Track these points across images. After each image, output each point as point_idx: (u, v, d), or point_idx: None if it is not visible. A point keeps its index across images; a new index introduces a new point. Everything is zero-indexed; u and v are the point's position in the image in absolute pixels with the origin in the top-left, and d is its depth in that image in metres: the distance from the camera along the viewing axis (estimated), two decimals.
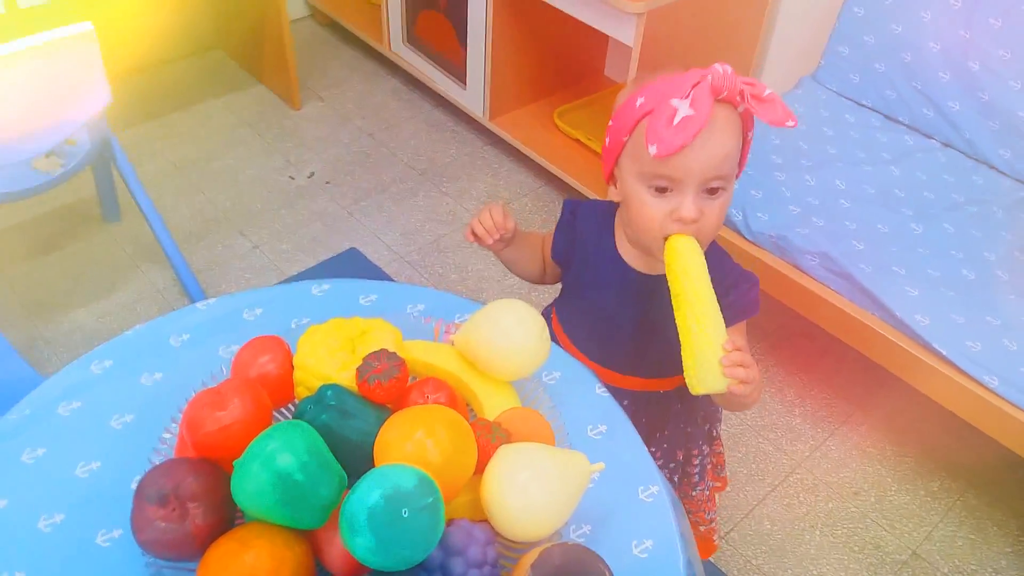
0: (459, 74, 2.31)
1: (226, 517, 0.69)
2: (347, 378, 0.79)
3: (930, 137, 1.83)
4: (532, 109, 2.34)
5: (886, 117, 1.88)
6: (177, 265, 1.81)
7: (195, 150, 2.29)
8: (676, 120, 0.82)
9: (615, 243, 1.02)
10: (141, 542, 0.67)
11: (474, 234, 1.04)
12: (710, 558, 1.47)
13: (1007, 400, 1.34)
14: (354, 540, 0.64)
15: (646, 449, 0.89)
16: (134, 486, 0.69)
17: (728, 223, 1.64)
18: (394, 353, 0.79)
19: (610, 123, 0.92)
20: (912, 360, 1.44)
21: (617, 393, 1.05)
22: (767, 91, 0.85)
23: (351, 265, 1.96)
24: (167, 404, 0.84)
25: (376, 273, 1.94)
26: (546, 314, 1.16)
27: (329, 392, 0.76)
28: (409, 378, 0.83)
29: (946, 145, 1.81)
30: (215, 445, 0.70)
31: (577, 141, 2.22)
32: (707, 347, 0.84)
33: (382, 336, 0.84)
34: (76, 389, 0.87)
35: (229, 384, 0.74)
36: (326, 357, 0.81)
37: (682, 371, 1.04)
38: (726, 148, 0.87)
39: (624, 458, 0.88)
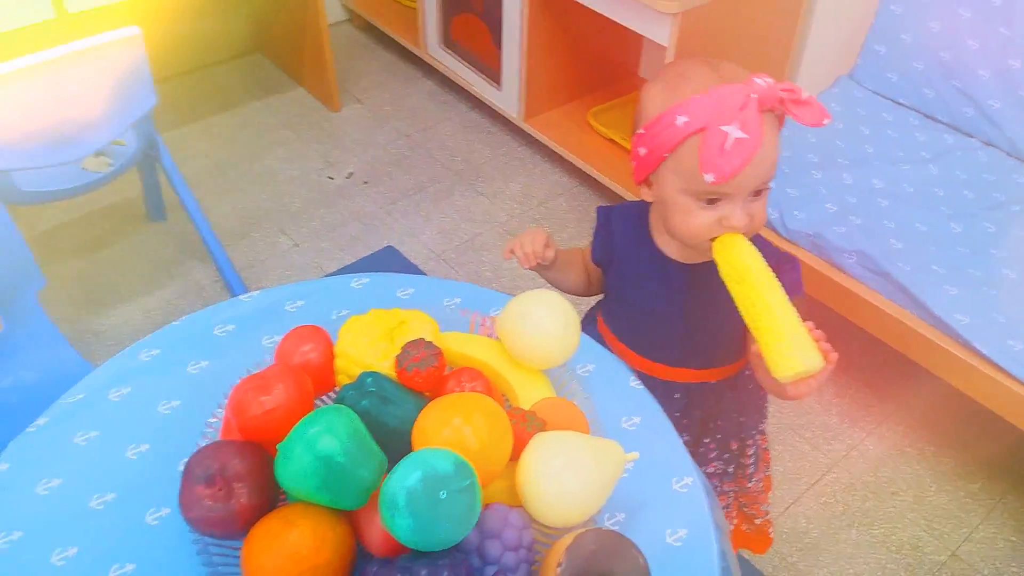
0: (494, 76, 2.34)
1: (270, 497, 0.72)
2: (386, 366, 0.81)
3: (970, 136, 1.81)
4: (566, 110, 2.35)
5: (925, 116, 1.86)
6: (220, 262, 1.86)
7: (237, 151, 2.34)
8: (728, 144, 0.81)
9: (652, 237, 1.03)
10: (188, 520, 0.70)
11: (512, 253, 1.05)
12: (745, 554, 1.46)
13: None
14: (393, 520, 0.65)
15: (680, 441, 0.90)
16: (181, 467, 0.72)
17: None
18: (431, 343, 0.81)
19: (641, 131, 0.90)
20: (952, 359, 1.42)
21: (669, 387, 1.08)
22: (804, 93, 0.85)
23: (388, 263, 1.99)
24: (212, 391, 0.86)
25: (412, 271, 1.97)
26: (591, 319, 1.17)
27: (369, 379, 0.78)
28: (446, 368, 0.85)
29: (987, 144, 1.78)
30: (260, 428, 0.73)
31: (611, 141, 2.23)
32: (795, 327, 0.84)
33: (420, 327, 0.86)
34: (125, 376, 0.90)
35: (273, 370, 0.76)
36: (366, 346, 0.83)
37: (733, 360, 1.05)
38: (773, 156, 0.87)
39: (658, 449, 0.88)
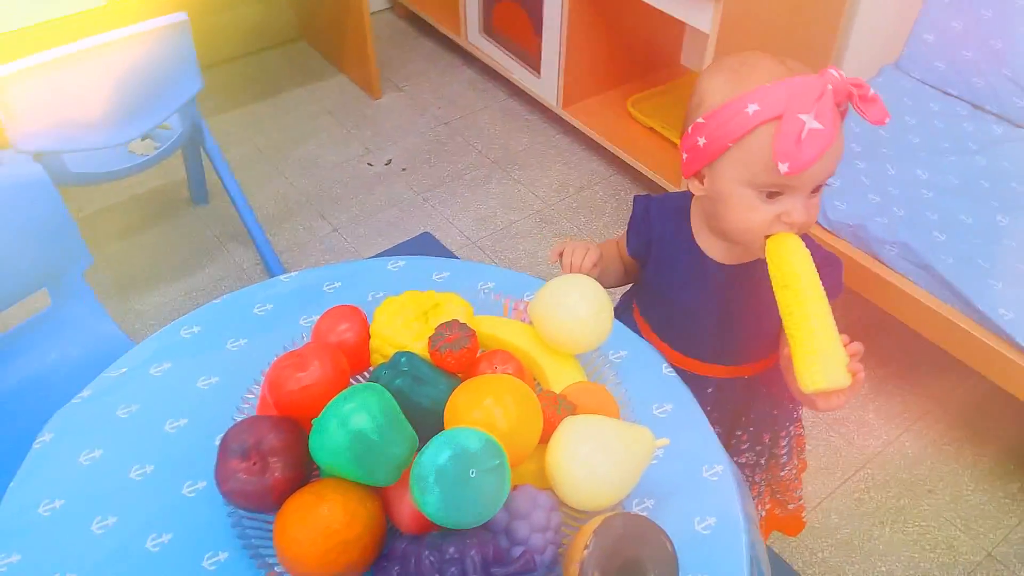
0: (534, 63, 2.33)
1: (304, 472, 0.73)
2: (420, 347, 0.82)
3: (1020, 126, 1.76)
4: (606, 98, 2.34)
5: (973, 106, 1.82)
6: (261, 245, 1.89)
7: (279, 137, 2.37)
8: (804, 134, 0.79)
9: (693, 235, 1.00)
10: (224, 492, 0.72)
11: (559, 258, 1.04)
12: (776, 548, 1.46)
13: None
14: (423, 497, 0.66)
15: (712, 429, 0.90)
16: (218, 442, 0.74)
17: None
18: (465, 324, 0.81)
19: (701, 120, 0.87)
20: (994, 355, 1.39)
21: (702, 381, 1.06)
22: (871, 91, 0.83)
23: (424, 248, 2.00)
24: (250, 368, 0.88)
25: (448, 256, 1.98)
26: (625, 304, 1.17)
27: (403, 359, 0.79)
28: (479, 350, 0.86)
29: None
30: (295, 404, 0.74)
31: (651, 130, 2.22)
32: (830, 343, 0.82)
33: (454, 309, 0.87)
34: (166, 352, 0.93)
35: (310, 348, 0.77)
36: (401, 327, 0.84)
37: (767, 355, 1.04)
38: (841, 150, 0.86)
39: (689, 437, 0.88)
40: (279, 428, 0.73)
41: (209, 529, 0.76)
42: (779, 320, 0.88)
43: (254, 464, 0.71)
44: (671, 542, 0.72)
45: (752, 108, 0.82)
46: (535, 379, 0.90)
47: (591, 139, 2.27)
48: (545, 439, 0.78)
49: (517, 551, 0.71)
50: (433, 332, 0.81)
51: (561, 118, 2.35)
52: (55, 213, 1.17)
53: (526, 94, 2.44)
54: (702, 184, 0.92)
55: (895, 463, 1.61)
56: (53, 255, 1.20)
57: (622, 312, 1.13)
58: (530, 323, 0.91)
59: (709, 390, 1.08)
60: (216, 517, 0.76)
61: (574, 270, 1.01)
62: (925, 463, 1.61)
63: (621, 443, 0.76)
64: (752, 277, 0.95)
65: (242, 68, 2.62)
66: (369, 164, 2.29)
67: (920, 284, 1.49)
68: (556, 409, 0.79)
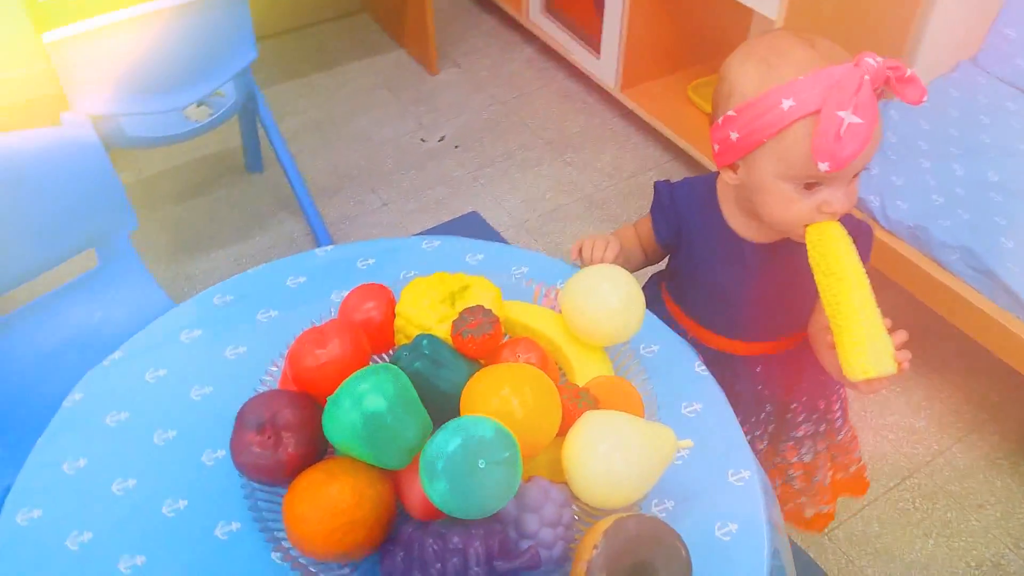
0: (594, 44, 2.29)
1: (317, 449, 0.73)
2: (444, 330, 0.81)
3: None
4: (666, 82, 2.29)
5: None
6: (310, 216, 1.90)
7: (335, 109, 2.38)
8: (843, 130, 0.77)
9: (723, 217, 0.99)
10: (237, 465, 0.72)
11: (579, 254, 1.02)
12: (812, 552, 1.42)
13: None
14: (431, 484, 0.65)
15: (742, 432, 0.87)
16: None
17: (863, 208, 1.55)
18: (490, 310, 0.80)
19: (731, 113, 0.85)
20: (997, 328, 1.32)
21: (749, 361, 1.06)
22: (909, 70, 0.80)
23: (470, 228, 1.99)
24: (277, 340, 0.88)
25: (493, 237, 1.97)
26: (653, 287, 1.14)
27: (425, 341, 0.78)
28: (503, 336, 0.84)
29: None
30: (312, 380, 0.74)
31: (705, 113, 2.16)
32: (876, 331, 0.81)
33: (481, 293, 0.85)
34: (198, 319, 0.94)
35: (332, 325, 0.77)
36: (426, 308, 0.83)
37: (806, 325, 1.01)
38: (880, 135, 0.83)
39: (717, 439, 0.85)
40: (295, 403, 0.73)
41: (224, 498, 0.77)
42: (810, 290, 0.86)
43: (268, 438, 0.71)
44: (686, 547, 0.70)
45: (787, 104, 0.80)
46: (560, 370, 0.89)
47: (648, 124, 2.22)
48: (564, 432, 0.76)
49: (525, 545, 0.69)
50: (457, 316, 0.80)
51: (618, 101, 2.30)
52: (103, 175, 1.19)
53: (584, 75, 2.40)
54: (736, 174, 0.90)
55: (944, 474, 1.55)
56: (100, 216, 1.22)
57: (651, 301, 1.11)
58: (560, 312, 0.89)
59: (758, 368, 1.07)
60: (232, 487, 0.76)
61: (594, 262, 0.99)
62: (977, 476, 1.55)
63: (641, 442, 0.74)
64: (788, 252, 0.93)
65: (302, 39, 2.64)
66: (422, 140, 2.28)
67: (982, 291, 1.42)
68: (577, 403, 0.77)
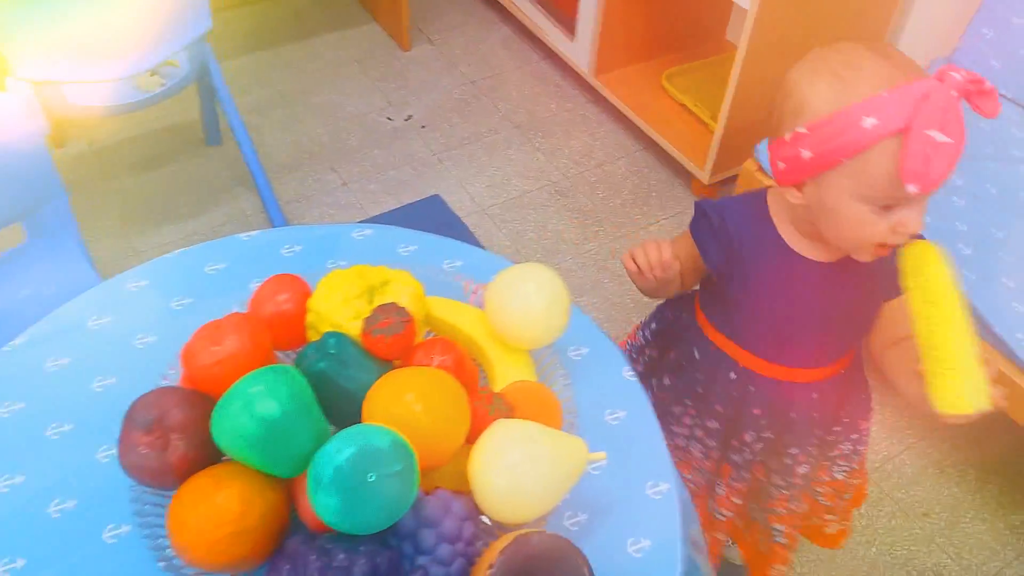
0: (570, 26, 2.24)
1: (209, 453, 0.69)
2: (358, 328, 0.77)
3: None
4: (640, 69, 2.24)
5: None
6: (264, 193, 1.85)
7: (302, 82, 2.32)
8: (932, 150, 0.73)
9: (781, 236, 0.91)
10: (123, 466, 0.68)
11: (635, 263, 0.94)
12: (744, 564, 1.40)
13: None
14: (318, 498, 0.62)
15: (664, 443, 0.84)
16: None
17: None
18: (403, 308, 0.76)
19: (803, 130, 0.79)
20: (1005, 381, 1.30)
21: (806, 388, 1.00)
22: (987, 83, 0.76)
23: (431, 212, 1.95)
24: (190, 330, 0.84)
25: (454, 222, 1.93)
26: (690, 315, 1.06)
27: (332, 340, 0.74)
28: (421, 335, 0.81)
29: None
30: (207, 379, 0.70)
31: (683, 107, 2.12)
32: (974, 365, 0.78)
33: (402, 289, 0.82)
34: (109, 305, 0.90)
35: (231, 319, 0.73)
36: (340, 304, 0.79)
37: (858, 344, 0.99)
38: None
39: (639, 449, 0.83)
40: (187, 403, 0.69)
41: (116, 500, 0.73)
42: (873, 308, 0.87)
43: (157, 439, 0.68)
44: (589, 566, 0.67)
45: (869, 122, 0.74)
46: (482, 372, 0.85)
47: (621, 111, 2.18)
48: (474, 440, 0.73)
49: (422, 561, 0.66)
50: (369, 314, 0.76)
51: (592, 87, 2.26)
52: (29, 144, 1.14)
53: (559, 58, 2.35)
54: (802, 193, 0.84)
55: (892, 481, 1.54)
56: (27, 188, 1.17)
57: (691, 330, 1.04)
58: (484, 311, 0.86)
59: (815, 395, 1.01)
60: (125, 488, 0.73)
61: (654, 269, 0.92)
62: (924, 484, 1.54)
63: (551, 455, 0.71)
64: (851, 271, 0.89)
65: (273, 9, 2.57)
66: (389, 118, 2.23)
67: None
68: (490, 409, 0.74)
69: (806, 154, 0.80)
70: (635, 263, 0.94)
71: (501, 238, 1.92)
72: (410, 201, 1.99)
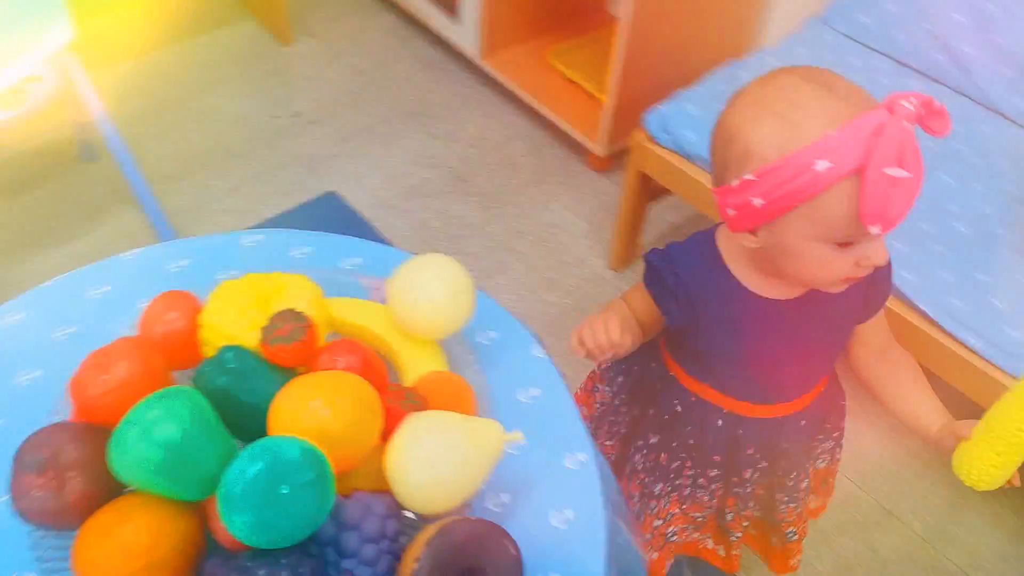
0: (453, 7, 2.22)
1: (110, 486, 0.66)
2: (255, 339, 0.75)
3: (940, 83, 1.72)
4: (528, 48, 2.24)
5: (895, 61, 1.77)
6: (148, 207, 1.78)
7: (180, 88, 2.23)
8: (891, 187, 0.69)
9: (739, 281, 0.88)
10: (18, 510, 0.65)
11: (582, 345, 0.88)
12: None
13: (992, 363, 1.28)
14: (230, 517, 0.60)
15: (579, 415, 0.85)
16: None
17: (704, 168, 1.56)
18: (300, 313, 0.74)
19: (751, 177, 0.75)
20: (894, 319, 1.37)
21: (792, 418, 0.99)
22: (936, 103, 0.73)
23: (328, 210, 1.91)
24: (76, 361, 0.80)
25: (353, 218, 1.90)
26: (660, 364, 1.03)
27: (230, 354, 0.72)
28: (323, 338, 0.79)
29: (956, 92, 1.70)
30: (99, 410, 0.67)
31: (573, 83, 2.13)
32: (1017, 448, 0.78)
33: (298, 293, 0.80)
34: None
35: (119, 344, 0.70)
36: (235, 316, 0.77)
37: (832, 368, 1.00)
38: None
39: (554, 424, 0.83)
40: (79, 438, 0.66)
41: (14, 547, 0.69)
42: (846, 331, 0.90)
43: (51, 479, 0.64)
44: (516, 545, 0.68)
45: (822, 165, 0.70)
46: (394, 368, 0.84)
47: (511, 92, 2.18)
48: (388, 437, 0.72)
49: (348, 565, 0.65)
50: (266, 323, 0.74)
51: (481, 69, 2.25)
52: None
53: (446, 43, 2.33)
54: (756, 237, 0.80)
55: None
56: None
57: (663, 380, 1.01)
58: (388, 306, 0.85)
59: (803, 422, 1.00)
60: (23, 534, 0.69)
61: (604, 350, 0.86)
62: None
63: (466, 441, 0.71)
64: (815, 302, 0.87)
65: (142, 14, 2.45)
66: (275, 117, 2.17)
67: None
68: (402, 404, 0.73)
69: (757, 201, 0.75)
70: (584, 346, 0.88)
71: (404, 229, 1.90)
72: (305, 200, 1.94)
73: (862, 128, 0.69)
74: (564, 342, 0.92)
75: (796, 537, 1.12)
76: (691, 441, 1.00)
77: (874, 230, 0.71)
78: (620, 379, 1.08)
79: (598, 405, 1.12)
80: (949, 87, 1.71)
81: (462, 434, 0.71)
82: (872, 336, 0.95)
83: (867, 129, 0.69)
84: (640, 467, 1.05)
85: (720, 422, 0.98)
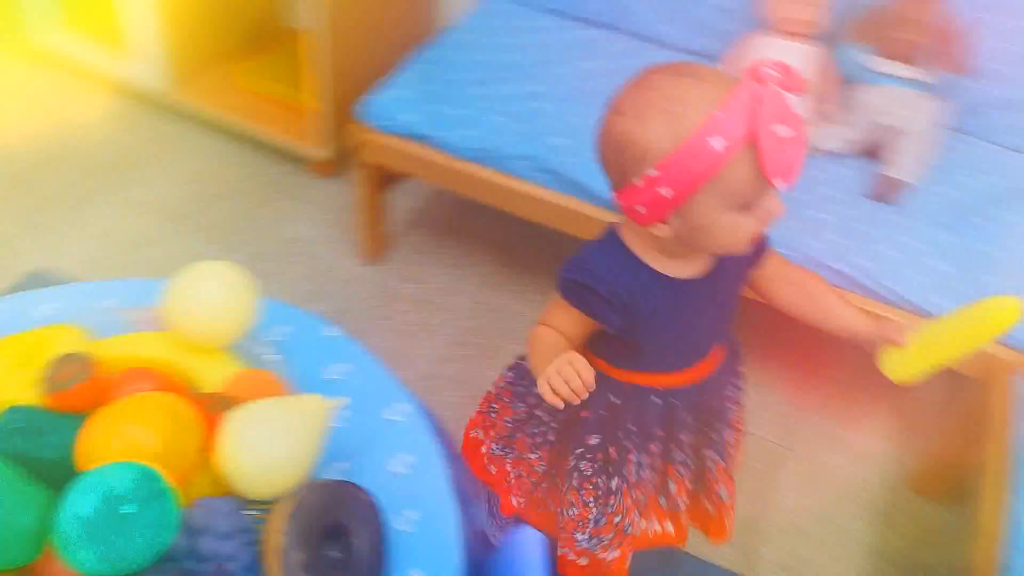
0: (122, 46, 2.10)
1: None
2: (35, 396, 0.71)
3: (614, 29, 1.89)
4: (217, 74, 2.18)
5: (568, 18, 1.92)
6: None
7: None
8: (784, 144, 0.77)
9: (656, 270, 0.92)
10: None
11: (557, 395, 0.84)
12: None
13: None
14: (76, 556, 0.58)
15: (388, 372, 0.89)
16: None
17: (432, 145, 1.65)
18: (77, 355, 0.72)
19: (653, 173, 0.79)
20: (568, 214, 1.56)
21: (713, 373, 1.05)
22: (790, 67, 0.79)
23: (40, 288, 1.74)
24: None
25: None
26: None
27: (17, 415, 0.68)
28: (104, 377, 0.76)
29: (620, 32, 1.90)
30: None
31: (271, 98, 2.12)
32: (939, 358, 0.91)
33: (64, 340, 0.76)
34: None
35: None
36: (4, 380, 0.72)
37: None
38: None
39: (369, 387, 0.88)
40: None
41: None
42: (741, 286, 0.99)
43: None
44: (367, 493, 0.71)
45: (718, 142, 0.76)
46: (190, 385, 0.83)
47: (213, 120, 2.12)
48: (211, 442, 0.71)
49: (208, 568, 0.65)
50: (44, 375, 0.70)
51: (175, 104, 2.16)
52: None
53: (126, 85, 2.20)
54: (667, 225, 0.84)
55: None
56: None
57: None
58: (165, 328, 0.83)
59: (720, 373, 1.06)
60: None
61: (579, 394, 0.83)
62: None
63: (290, 418, 0.73)
64: (720, 272, 0.94)
65: None
66: None
67: (549, 187, 1.59)
68: (214, 408, 0.73)
69: (666, 192, 0.80)
70: (559, 395, 0.84)
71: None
72: (10, 285, 1.74)
73: (740, 100, 0.76)
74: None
75: (728, 498, 1.17)
76: (632, 427, 1.03)
77: (780, 184, 0.78)
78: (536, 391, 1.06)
79: (508, 423, 1.13)
80: (617, 30, 1.92)
81: (283, 413, 0.73)
82: (771, 270, 1.04)
83: (745, 100, 0.76)
84: (589, 472, 1.06)
85: (656, 399, 1.02)
